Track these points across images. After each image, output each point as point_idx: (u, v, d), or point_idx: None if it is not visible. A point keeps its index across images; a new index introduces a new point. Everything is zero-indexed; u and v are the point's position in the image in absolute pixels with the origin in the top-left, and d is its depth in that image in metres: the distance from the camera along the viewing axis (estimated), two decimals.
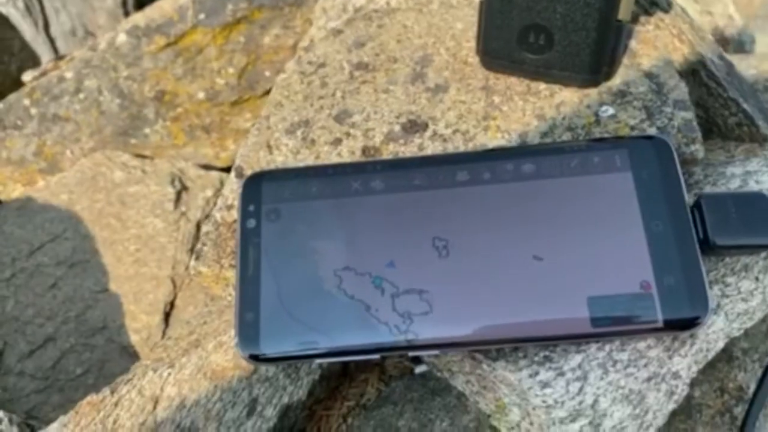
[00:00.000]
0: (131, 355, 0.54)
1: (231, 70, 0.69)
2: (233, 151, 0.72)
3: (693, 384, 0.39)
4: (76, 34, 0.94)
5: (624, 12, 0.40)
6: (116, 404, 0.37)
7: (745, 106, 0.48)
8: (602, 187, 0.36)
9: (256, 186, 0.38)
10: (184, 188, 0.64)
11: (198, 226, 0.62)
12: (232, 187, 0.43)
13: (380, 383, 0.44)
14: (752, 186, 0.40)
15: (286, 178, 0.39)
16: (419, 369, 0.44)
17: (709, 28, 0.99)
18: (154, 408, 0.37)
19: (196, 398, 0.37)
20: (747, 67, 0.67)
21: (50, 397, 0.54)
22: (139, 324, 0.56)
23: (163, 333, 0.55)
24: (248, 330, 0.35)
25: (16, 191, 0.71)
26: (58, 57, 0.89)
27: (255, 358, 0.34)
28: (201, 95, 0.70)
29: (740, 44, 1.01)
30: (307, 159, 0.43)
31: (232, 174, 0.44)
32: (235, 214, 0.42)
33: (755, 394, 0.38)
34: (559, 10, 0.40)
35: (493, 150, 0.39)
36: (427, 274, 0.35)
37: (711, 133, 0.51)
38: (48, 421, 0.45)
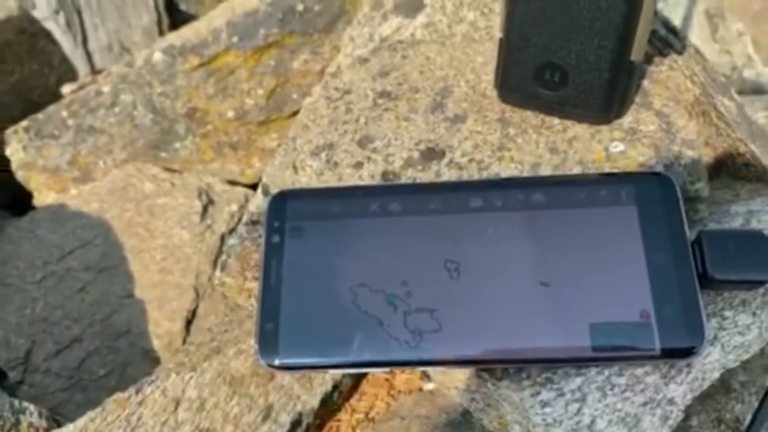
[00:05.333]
0: (153, 360, 0.56)
1: (260, 92, 0.72)
2: (258, 169, 0.75)
3: (691, 414, 0.40)
4: (113, 50, 0.97)
5: (636, 53, 0.42)
6: (140, 403, 0.40)
7: (752, 146, 0.50)
8: (608, 219, 0.38)
9: (281, 204, 0.41)
10: (211, 202, 0.67)
11: (222, 239, 0.64)
12: (258, 203, 0.46)
13: (389, 398, 0.45)
14: (754, 225, 0.41)
15: (310, 197, 0.41)
16: (427, 386, 0.45)
17: (729, 67, 1.00)
18: (176, 409, 0.39)
19: (216, 401, 0.39)
20: (760, 108, 0.69)
21: (73, 395, 0.56)
22: (162, 330, 0.58)
23: (184, 339, 0.58)
24: (268, 339, 0.37)
25: (50, 198, 0.74)
26: (95, 71, 0.93)
27: (274, 366, 0.37)
28: (230, 114, 0.73)
29: (759, 85, 1.02)
30: (330, 180, 0.45)
31: (259, 191, 0.47)
32: (260, 229, 0.44)
33: (750, 423, 0.39)
34: (574, 50, 0.42)
35: (505, 179, 0.41)
36: (439, 294, 0.37)
37: (719, 172, 0.52)
38: (70, 419, 0.47)
